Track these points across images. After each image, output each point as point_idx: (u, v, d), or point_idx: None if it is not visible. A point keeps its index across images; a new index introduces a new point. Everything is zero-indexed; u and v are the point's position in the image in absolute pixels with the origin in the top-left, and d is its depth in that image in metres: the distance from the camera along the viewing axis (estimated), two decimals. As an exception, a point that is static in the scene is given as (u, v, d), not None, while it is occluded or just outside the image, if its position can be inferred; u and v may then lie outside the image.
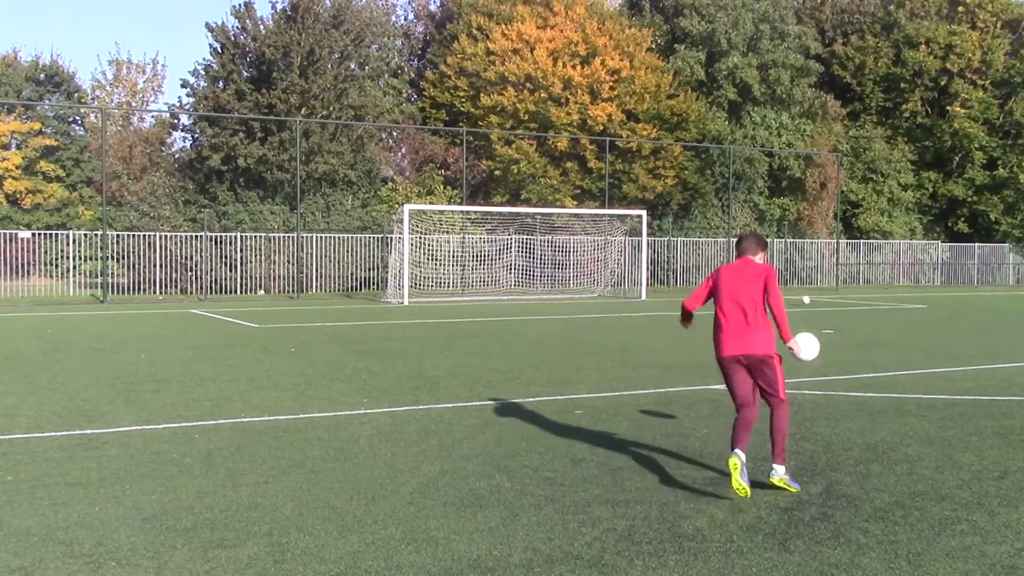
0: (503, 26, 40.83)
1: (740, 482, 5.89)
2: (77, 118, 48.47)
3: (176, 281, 31.58)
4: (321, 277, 33.54)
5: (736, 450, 6.05)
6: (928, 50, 49.10)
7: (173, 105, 38.48)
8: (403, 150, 42.78)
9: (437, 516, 5.63)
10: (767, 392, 6.30)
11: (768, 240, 42.73)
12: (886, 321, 22.18)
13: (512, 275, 34.99)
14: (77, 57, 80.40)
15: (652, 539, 5.20)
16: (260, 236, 32.66)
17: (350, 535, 5.25)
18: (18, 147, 45.19)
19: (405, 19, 49.00)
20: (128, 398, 9.96)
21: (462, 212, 34.92)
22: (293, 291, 32.14)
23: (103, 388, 10.67)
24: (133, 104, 48.59)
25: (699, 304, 6.71)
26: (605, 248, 36.48)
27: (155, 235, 31.30)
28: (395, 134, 42.50)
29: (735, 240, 6.85)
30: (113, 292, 30.22)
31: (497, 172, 39.69)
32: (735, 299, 6.33)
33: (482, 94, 40.18)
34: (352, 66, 37.92)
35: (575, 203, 39.60)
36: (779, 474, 6.17)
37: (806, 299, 27.18)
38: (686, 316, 7.08)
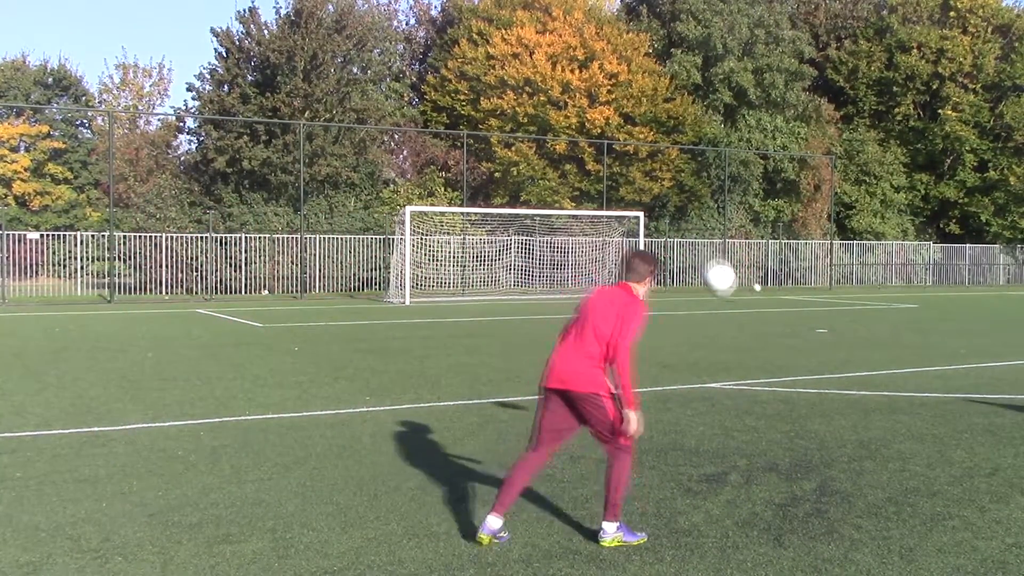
0: (503, 31, 40.90)
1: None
2: (84, 121, 48.57)
3: (182, 281, 31.66)
4: (324, 277, 33.61)
5: (488, 516, 5.17)
6: (920, 54, 49.22)
7: (179, 108, 38.67)
8: (405, 153, 42.84)
9: (438, 512, 5.71)
10: (602, 437, 5.28)
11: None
12: (879, 321, 22.23)
13: (512, 275, 35.05)
14: (85, 61, 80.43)
15: (649, 535, 5.27)
16: (264, 237, 32.74)
17: (353, 531, 5.32)
18: (27, 150, 45.26)
19: (407, 24, 49.08)
20: (135, 396, 10.04)
21: (462, 213, 35.01)
22: (296, 291, 32.20)
23: (110, 386, 10.74)
24: (140, 107, 48.67)
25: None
26: (603, 249, 36.56)
27: (161, 236, 31.38)
28: (397, 137, 42.56)
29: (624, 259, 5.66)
30: (120, 292, 30.26)
31: (497, 174, 39.76)
32: (583, 324, 5.27)
33: (482, 98, 40.25)
34: (355, 70, 37.99)
35: (573, 205, 39.67)
36: (609, 535, 5.12)
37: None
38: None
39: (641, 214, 34.23)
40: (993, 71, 49.96)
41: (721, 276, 6.70)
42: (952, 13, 50.08)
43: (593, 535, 5.25)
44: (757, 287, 26.81)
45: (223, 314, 23.02)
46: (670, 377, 11.69)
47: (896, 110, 50.51)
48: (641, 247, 33.67)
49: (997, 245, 50.04)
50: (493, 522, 5.13)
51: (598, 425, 5.21)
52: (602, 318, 5.19)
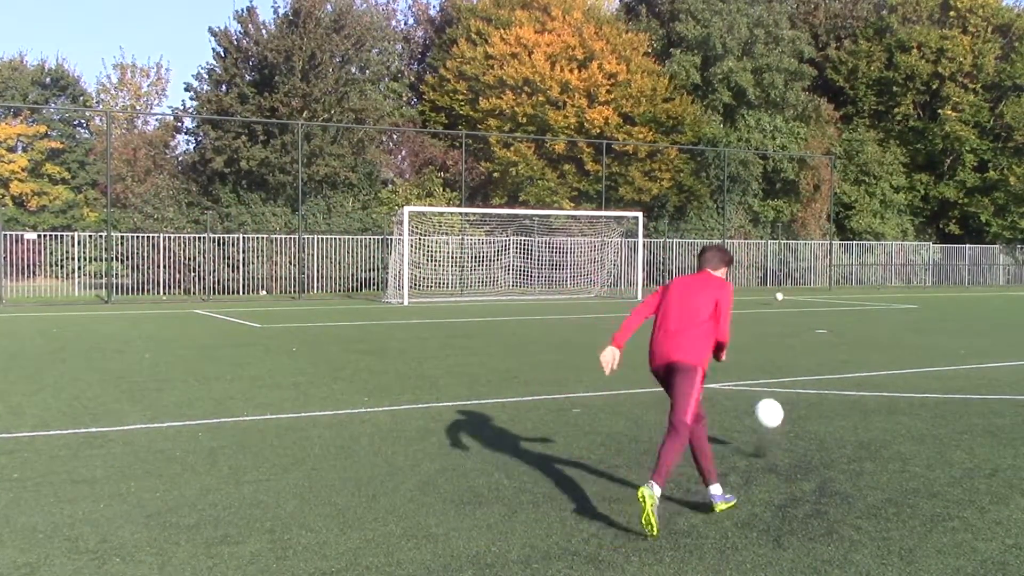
0: (502, 31, 40.92)
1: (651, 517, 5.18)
2: (82, 121, 48.54)
3: (179, 282, 31.65)
4: (322, 278, 33.61)
5: (650, 481, 5.30)
6: (920, 54, 49.24)
7: (177, 108, 38.67)
8: (403, 153, 42.86)
9: (437, 513, 5.69)
10: (674, 404, 5.56)
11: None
12: (878, 321, 22.24)
13: (510, 276, 35.06)
14: (82, 61, 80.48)
15: (648, 536, 5.25)
16: (262, 237, 32.73)
17: (351, 532, 5.31)
18: (24, 150, 45.24)
19: (405, 24, 49.15)
20: (132, 397, 10.02)
21: (461, 214, 35.00)
22: (295, 291, 32.19)
23: (108, 387, 10.73)
24: (137, 107, 48.65)
25: (647, 312, 5.99)
26: (602, 249, 36.57)
27: (159, 236, 31.37)
28: (395, 137, 42.57)
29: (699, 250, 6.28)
30: (117, 292, 30.25)
31: (496, 174, 39.77)
32: (678, 308, 5.73)
33: (481, 97, 40.27)
34: (353, 70, 37.99)
35: (572, 205, 39.68)
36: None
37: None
38: (629, 327, 6.01)
39: (640, 214, 34.23)
40: (993, 71, 50.00)
41: (771, 413, 6.78)
42: (952, 13, 50.12)
43: (591, 535, 5.25)
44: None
45: (221, 314, 23.01)
46: (669, 377, 11.68)
47: (896, 110, 50.54)
48: (640, 247, 33.70)
49: (997, 245, 50.06)
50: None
51: (679, 391, 5.54)
52: (702, 302, 5.72)
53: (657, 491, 5.20)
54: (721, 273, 5.97)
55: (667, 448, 5.40)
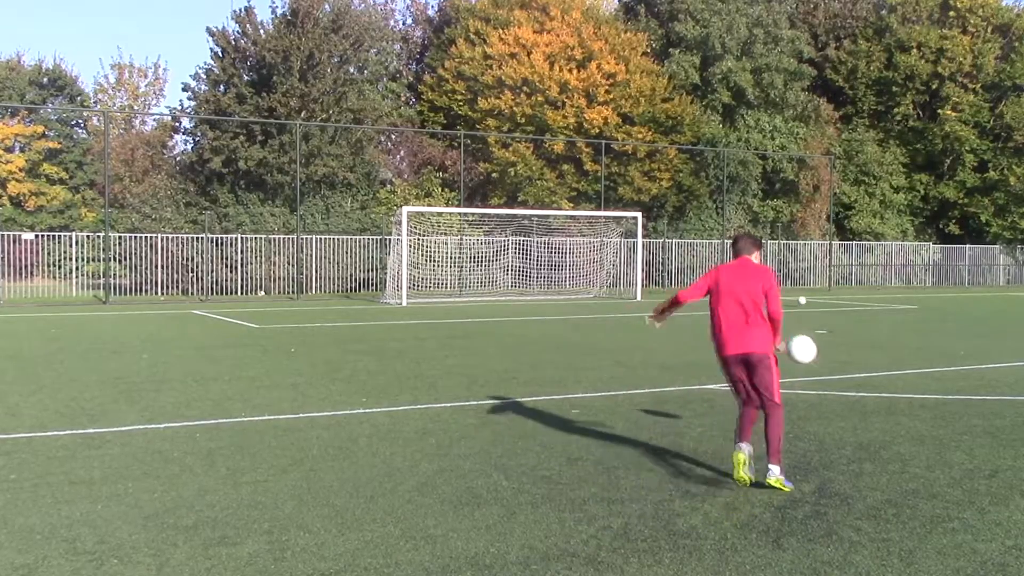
0: (500, 30, 40.88)
1: (744, 474, 6.29)
2: (80, 121, 48.47)
3: (177, 282, 31.60)
4: (320, 278, 33.57)
5: (740, 444, 6.41)
6: (920, 54, 49.18)
7: (174, 108, 38.59)
8: (401, 153, 42.82)
9: (435, 514, 5.68)
10: (762, 394, 6.44)
11: (762, 241, 42.96)
12: (878, 322, 22.24)
13: (509, 276, 35.03)
14: (80, 61, 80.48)
15: (647, 537, 5.25)
16: (260, 238, 32.70)
17: (349, 533, 5.30)
18: (22, 150, 45.16)
19: (403, 23, 49.05)
20: (130, 398, 10.01)
21: (460, 214, 34.98)
22: (293, 292, 32.17)
23: (105, 388, 10.71)
24: (135, 107, 48.60)
25: (696, 297, 6.78)
26: (601, 249, 36.54)
27: (157, 237, 31.33)
28: (394, 137, 42.53)
29: (730, 240, 7.06)
30: (115, 293, 30.21)
31: (494, 174, 39.74)
32: (736, 298, 6.48)
33: (479, 97, 40.24)
34: (351, 70, 37.95)
35: (571, 205, 39.66)
36: (775, 475, 6.25)
37: (802, 299, 27.24)
38: (671, 306, 7.04)
39: (639, 214, 34.22)
40: (993, 71, 49.94)
41: (805, 349, 6.83)
42: (952, 13, 50.06)
43: (590, 536, 5.24)
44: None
45: (219, 315, 22.99)
46: (668, 378, 11.68)
47: (895, 110, 50.48)
48: (639, 248, 33.69)
49: (997, 246, 50.02)
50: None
51: (762, 384, 6.43)
52: (753, 288, 6.49)
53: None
54: (756, 257, 6.71)
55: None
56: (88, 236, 32.97)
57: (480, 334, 18.22)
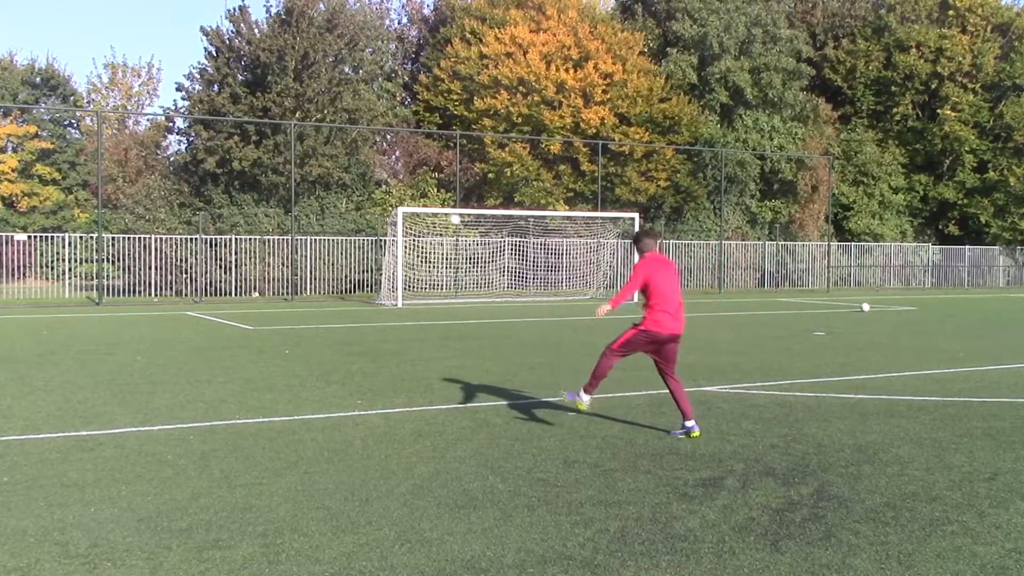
0: (496, 30, 40.86)
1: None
2: (73, 121, 48.32)
3: (171, 283, 31.51)
4: (315, 279, 33.51)
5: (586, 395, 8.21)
6: (919, 54, 49.22)
7: (168, 108, 38.48)
8: (397, 153, 42.78)
9: (431, 517, 5.65)
10: (670, 366, 8.12)
11: (761, 241, 43.00)
12: (877, 323, 22.24)
13: (505, 277, 34.99)
14: (73, 61, 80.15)
15: (644, 540, 5.22)
16: (255, 239, 32.62)
17: (344, 536, 5.27)
18: (14, 150, 45.01)
19: (399, 23, 49.01)
20: (123, 400, 9.96)
21: (456, 215, 34.92)
22: (287, 293, 32.10)
23: (99, 390, 10.66)
24: (128, 107, 48.52)
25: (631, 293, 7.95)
26: (598, 250, 36.52)
27: (150, 238, 31.25)
28: (389, 137, 42.48)
29: (634, 237, 8.53)
30: (108, 294, 30.12)
31: (490, 175, 39.72)
32: (672, 287, 7.96)
33: (475, 97, 40.21)
34: (346, 70, 37.88)
35: (568, 206, 39.63)
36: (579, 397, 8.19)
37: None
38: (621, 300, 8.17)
39: (636, 215, 34.21)
40: (992, 71, 49.98)
41: None
42: (951, 12, 50.10)
43: (587, 539, 5.22)
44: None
45: (213, 316, 22.94)
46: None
47: (895, 110, 50.50)
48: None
49: (997, 247, 50.06)
50: (690, 423, 8.03)
51: (675, 358, 8.20)
52: (675, 277, 8.07)
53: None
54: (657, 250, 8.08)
55: (678, 390, 8.11)
56: (81, 237, 32.88)
57: (476, 336, 18.19)
